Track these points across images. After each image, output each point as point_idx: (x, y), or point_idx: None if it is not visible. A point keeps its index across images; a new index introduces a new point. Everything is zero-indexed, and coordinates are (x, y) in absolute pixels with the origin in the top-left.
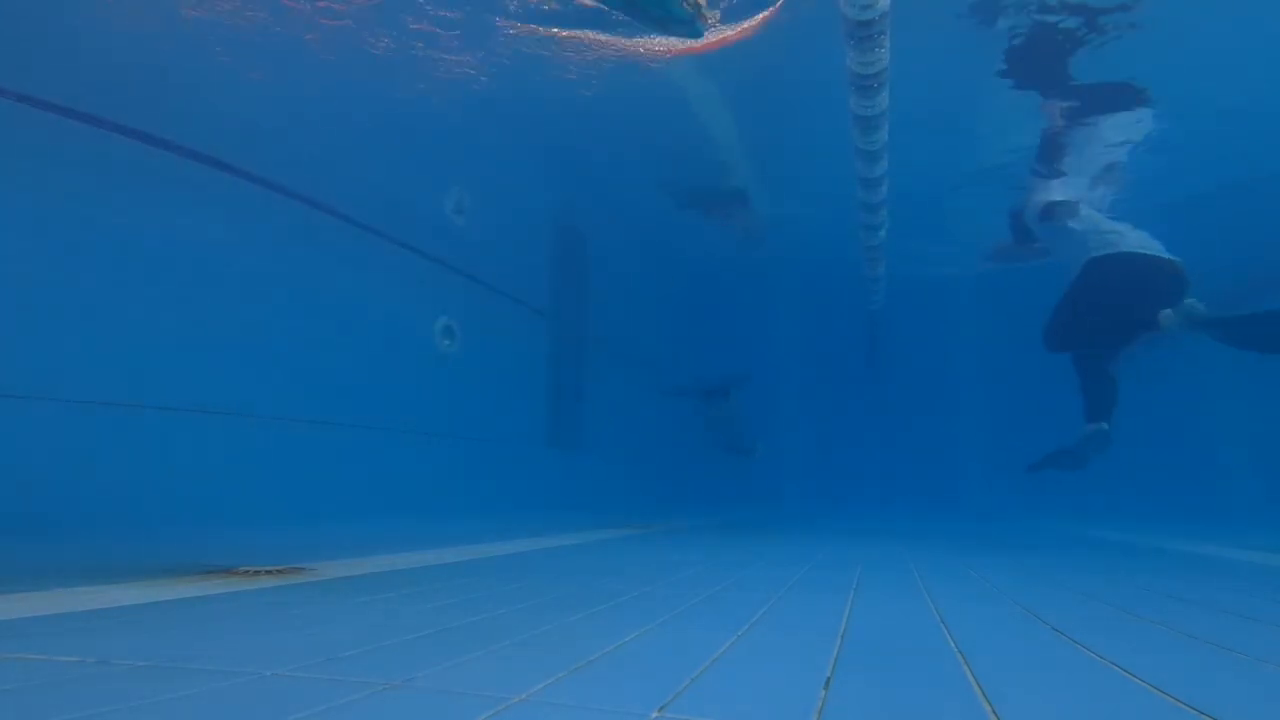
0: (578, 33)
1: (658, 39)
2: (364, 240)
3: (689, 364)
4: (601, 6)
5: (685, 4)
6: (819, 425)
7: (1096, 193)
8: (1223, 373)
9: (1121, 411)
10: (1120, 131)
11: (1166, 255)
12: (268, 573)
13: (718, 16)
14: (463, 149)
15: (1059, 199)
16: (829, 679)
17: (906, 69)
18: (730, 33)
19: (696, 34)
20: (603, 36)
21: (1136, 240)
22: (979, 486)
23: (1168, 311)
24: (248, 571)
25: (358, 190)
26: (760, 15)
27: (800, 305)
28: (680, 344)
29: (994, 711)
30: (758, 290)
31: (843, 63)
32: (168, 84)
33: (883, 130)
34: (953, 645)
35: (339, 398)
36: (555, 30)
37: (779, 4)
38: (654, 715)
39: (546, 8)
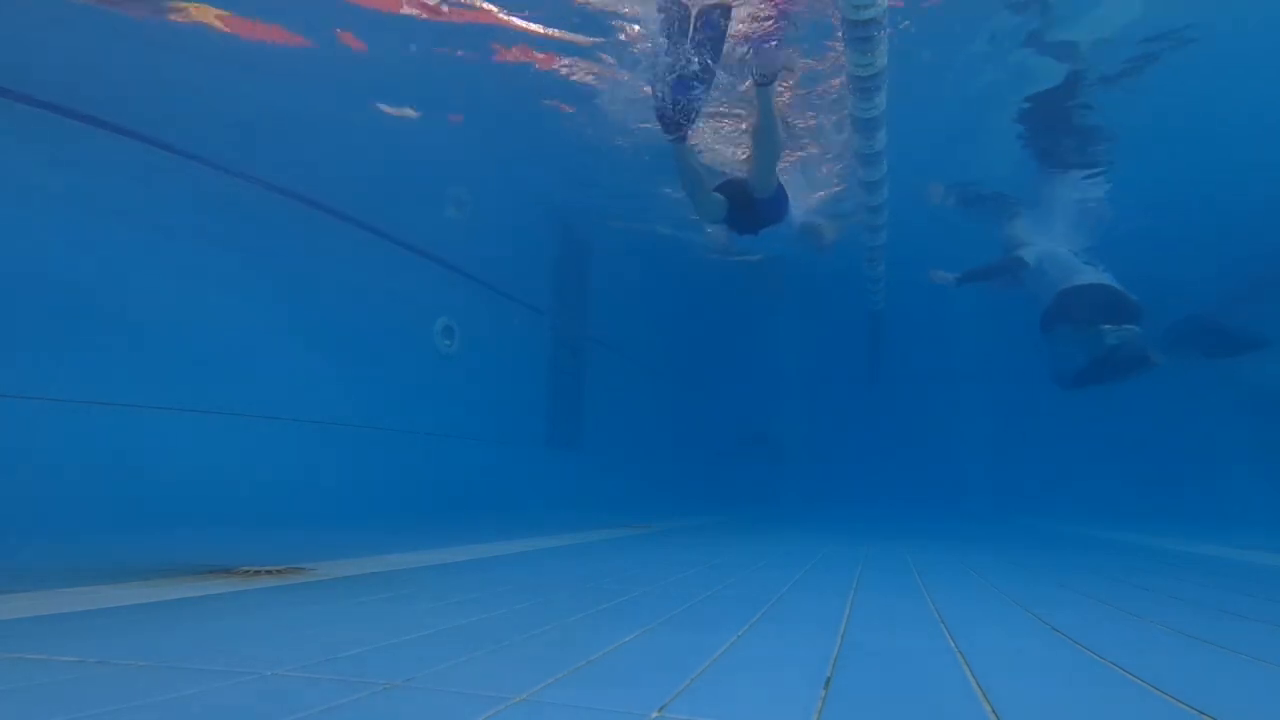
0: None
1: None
2: (366, 242)
3: (689, 362)
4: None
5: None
6: (820, 425)
7: (1069, 236)
8: (1222, 373)
9: (1124, 412)
10: (1091, 183)
11: (1117, 286)
12: (268, 573)
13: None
14: (475, 159)
15: (1021, 259)
16: (829, 678)
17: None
18: None
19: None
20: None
21: (1095, 275)
22: (979, 486)
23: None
24: (248, 571)
25: (367, 196)
26: None
27: (802, 305)
28: (682, 344)
29: (994, 711)
30: (760, 292)
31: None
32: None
33: (882, 132)
34: (952, 645)
35: (340, 398)
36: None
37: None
38: (654, 715)
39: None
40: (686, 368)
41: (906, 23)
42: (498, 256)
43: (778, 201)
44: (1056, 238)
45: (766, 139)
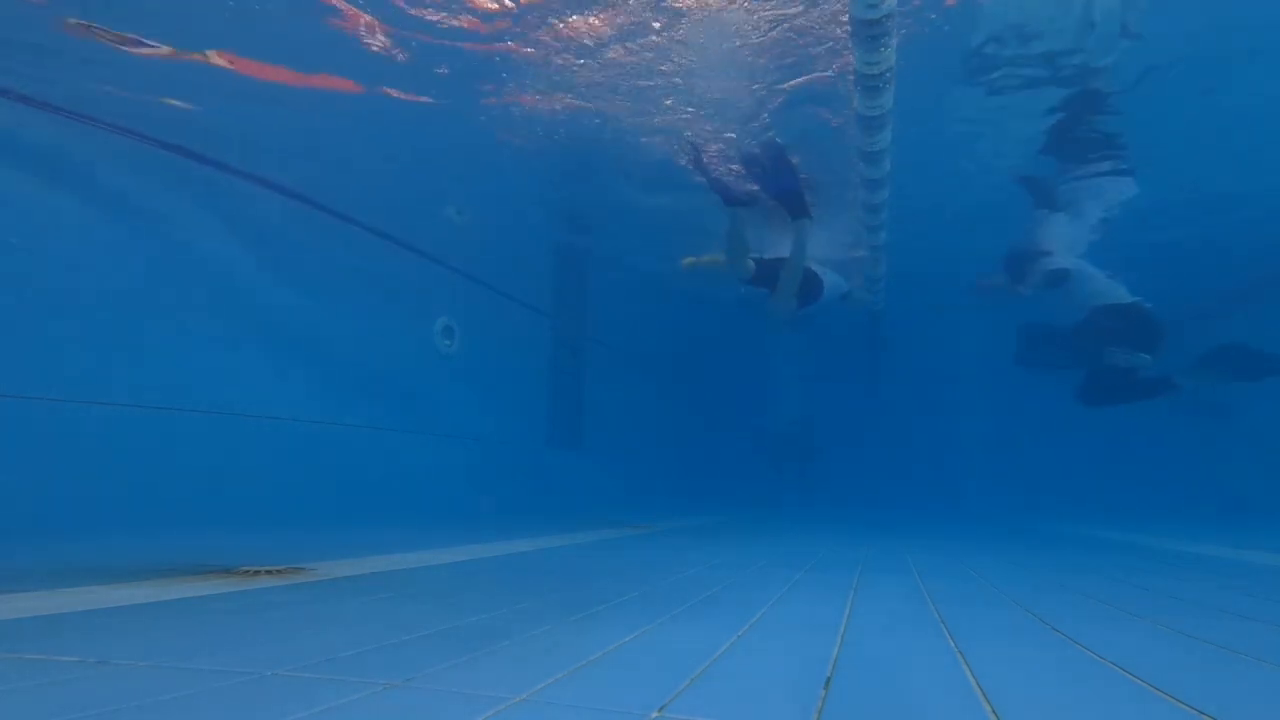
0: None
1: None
2: (367, 243)
3: (690, 362)
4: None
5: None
6: (820, 425)
7: (1089, 238)
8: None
9: (1125, 416)
10: (1108, 189)
11: (1133, 300)
12: (268, 572)
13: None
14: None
15: (1057, 267)
16: (829, 678)
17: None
18: None
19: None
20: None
21: (1122, 292)
22: (979, 486)
23: None
24: (248, 571)
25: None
26: None
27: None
28: (684, 345)
29: (994, 711)
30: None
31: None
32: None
33: (886, 131)
34: (952, 645)
35: (341, 398)
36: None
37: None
38: (654, 715)
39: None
40: (688, 368)
41: (933, 15)
42: (498, 258)
43: (810, 290)
44: (1075, 240)
45: (791, 270)
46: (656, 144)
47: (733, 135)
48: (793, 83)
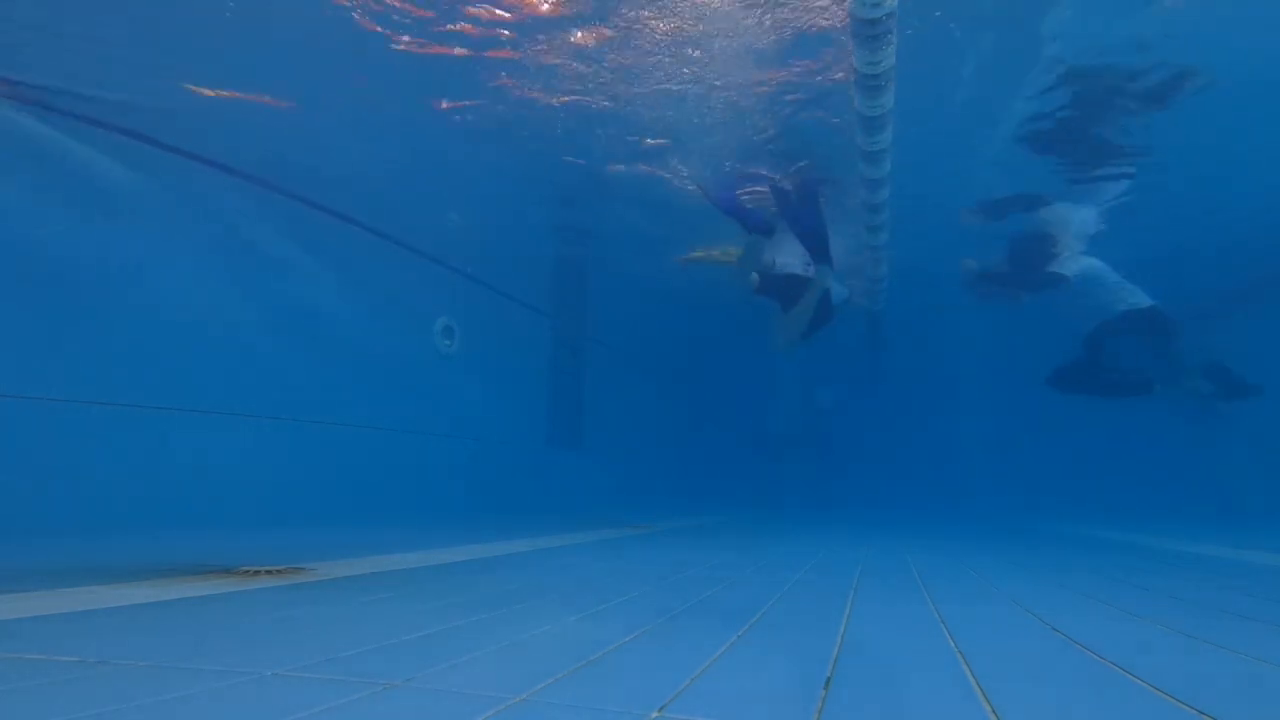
0: None
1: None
2: (368, 244)
3: (691, 362)
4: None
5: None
6: (820, 425)
7: (1097, 227)
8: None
9: (1124, 416)
10: (1113, 188)
11: (1151, 304)
12: (267, 572)
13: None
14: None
15: (1061, 265)
16: (829, 678)
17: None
18: None
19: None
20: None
21: (1141, 297)
22: (979, 486)
23: None
24: (247, 571)
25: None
26: None
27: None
28: (684, 345)
29: (994, 711)
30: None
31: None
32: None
33: (887, 131)
34: (952, 645)
35: (341, 398)
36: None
37: None
38: (654, 715)
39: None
40: (688, 368)
41: (939, 13)
42: (499, 258)
43: (821, 317)
44: (1082, 234)
45: (803, 308)
46: (657, 161)
47: (738, 162)
48: (797, 97)
